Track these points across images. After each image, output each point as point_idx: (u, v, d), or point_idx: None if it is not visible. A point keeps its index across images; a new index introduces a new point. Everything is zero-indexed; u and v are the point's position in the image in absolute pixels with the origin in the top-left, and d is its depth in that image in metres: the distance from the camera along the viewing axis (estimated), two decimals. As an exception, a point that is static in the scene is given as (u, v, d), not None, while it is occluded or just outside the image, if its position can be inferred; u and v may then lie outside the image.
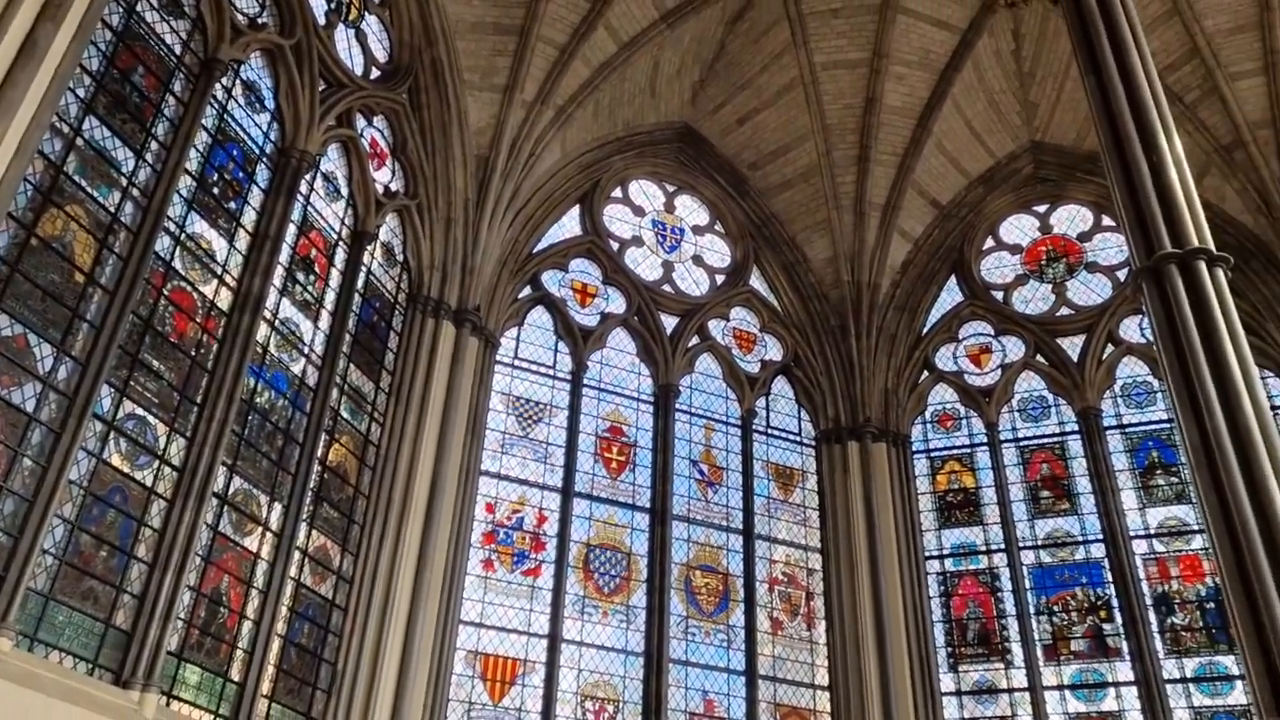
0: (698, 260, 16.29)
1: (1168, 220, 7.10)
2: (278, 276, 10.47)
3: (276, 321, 10.48)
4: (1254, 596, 5.74)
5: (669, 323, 15.44)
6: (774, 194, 16.63)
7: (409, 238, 13.08)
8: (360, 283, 11.94)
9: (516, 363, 14.09)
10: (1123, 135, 7.63)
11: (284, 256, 10.65)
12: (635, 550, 13.48)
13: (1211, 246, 6.95)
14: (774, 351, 16.03)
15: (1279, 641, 5.57)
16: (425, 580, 11.33)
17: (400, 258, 13.01)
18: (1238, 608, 5.78)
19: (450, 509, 12.04)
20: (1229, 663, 12.66)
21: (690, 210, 16.65)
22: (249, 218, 10.29)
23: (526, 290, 14.64)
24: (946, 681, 13.68)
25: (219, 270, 9.78)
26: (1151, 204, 7.16)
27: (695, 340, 15.52)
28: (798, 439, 15.48)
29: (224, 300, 9.77)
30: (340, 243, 11.84)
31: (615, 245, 15.62)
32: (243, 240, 10.16)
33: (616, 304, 15.24)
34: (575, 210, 15.51)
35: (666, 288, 15.72)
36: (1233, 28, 14.07)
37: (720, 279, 16.26)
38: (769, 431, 15.33)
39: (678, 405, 14.75)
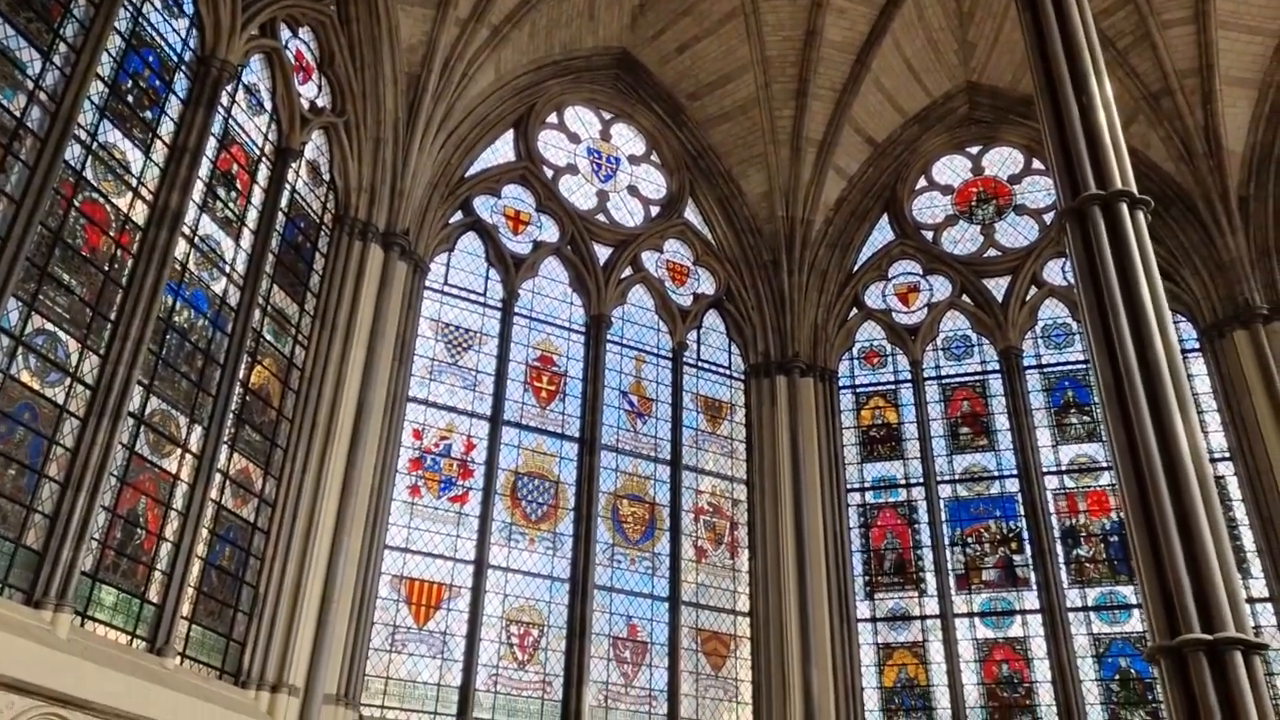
0: (633, 191, 16.15)
1: (1094, 162, 7.21)
2: (197, 192, 10.09)
3: (196, 238, 10.13)
4: (1154, 526, 5.98)
5: (602, 253, 15.34)
6: (712, 126, 16.49)
7: (336, 157, 12.70)
8: (284, 201, 11.59)
9: (446, 289, 13.89)
10: (1055, 76, 7.70)
11: (204, 171, 10.26)
12: (563, 479, 13.55)
13: (1134, 190, 7.08)
14: (706, 285, 16.05)
15: (1175, 569, 5.83)
16: (350, 505, 11.25)
17: (327, 177, 12.65)
18: (1138, 537, 6.03)
19: (377, 435, 11.93)
20: (1128, 592, 13.27)
21: (626, 139, 16.45)
22: (166, 129, 9.86)
23: (458, 215, 14.38)
24: (863, 609, 14.12)
25: (134, 182, 9.39)
26: (1079, 145, 7.26)
27: (628, 271, 15.46)
28: (727, 372, 15.62)
29: (140, 214, 9.40)
30: (263, 159, 11.45)
31: (550, 172, 15.39)
32: (160, 152, 9.75)
33: (549, 232, 15.07)
34: (509, 135, 15.21)
35: (601, 217, 15.58)
36: (1167, -25, 14.25)
37: (655, 210, 16.16)
38: (699, 364, 15.43)
39: (609, 336, 14.74)
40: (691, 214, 16.38)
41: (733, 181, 16.51)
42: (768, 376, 15.42)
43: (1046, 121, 7.55)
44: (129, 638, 8.71)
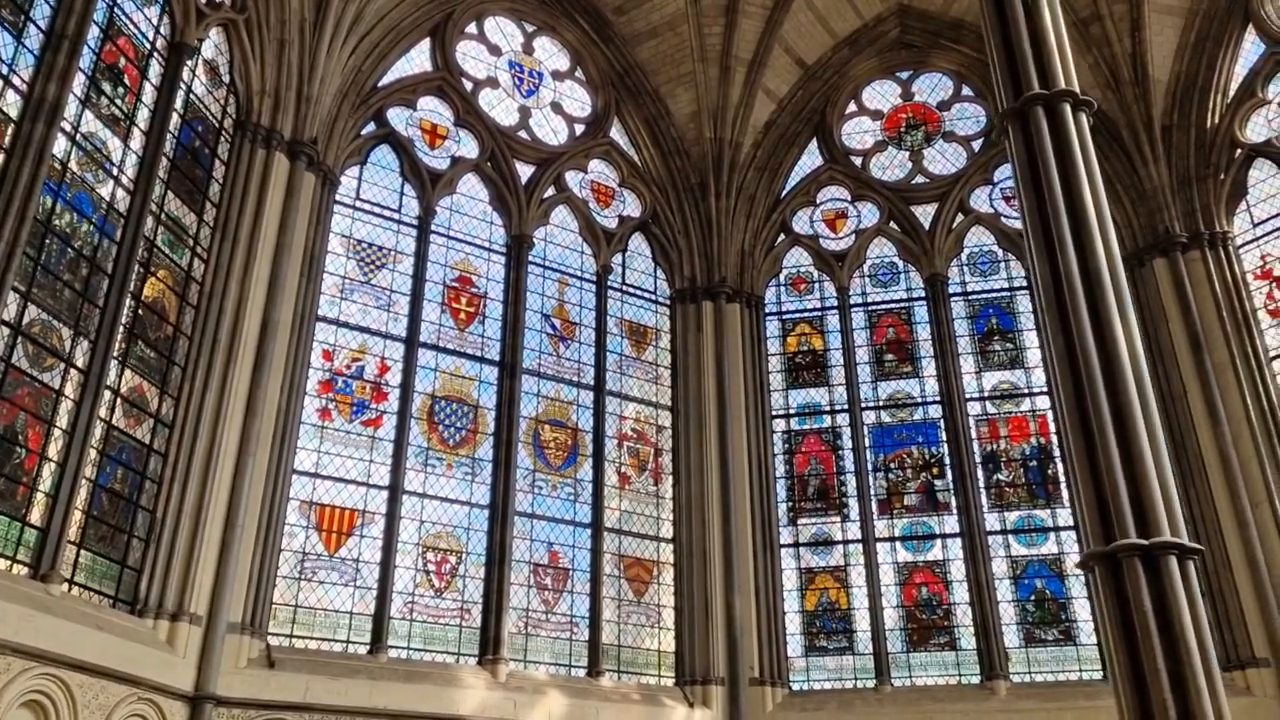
0: (556, 108, 15.52)
1: (1038, 62, 6.93)
2: (79, 84, 9.24)
3: (78, 136, 9.29)
4: (1090, 431, 5.83)
5: (524, 171, 14.73)
6: (639, 42, 15.89)
7: (236, 57, 11.82)
8: (179, 102, 10.74)
9: (358, 204, 13.18)
10: (999, -28, 7.38)
11: (86, 62, 9.39)
12: (483, 403, 13.10)
13: (1077, 90, 6.83)
14: (632, 207, 15.59)
15: (1112, 474, 5.70)
16: (255, 428, 10.65)
17: (227, 79, 11.78)
18: (1074, 441, 5.88)
19: (283, 354, 11.29)
20: (1045, 516, 13.45)
21: (550, 54, 15.75)
22: (41, 12, 8.95)
23: (370, 127, 13.60)
24: (786, 534, 14.07)
25: (4, 70, 8.52)
26: (1023, 44, 6.98)
27: (551, 191, 14.90)
28: (653, 297, 15.25)
29: (12, 105, 8.55)
30: (155, 54, 10.55)
31: (469, 85, 14.65)
32: (34, 38, 8.86)
33: (469, 148, 14.39)
34: (425, 44, 14.41)
35: (523, 134, 14.93)
36: (1102, -105, 14.02)
37: (580, 129, 15.57)
38: (624, 288, 15.03)
39: (531, 257, 14.21)
40: (617, 134, 15.84)
41: (660, 101, 15.99)
42: (694, 302, 15.11)
43: (990, 19, 7.24)
44: (9, 563, 8.07)
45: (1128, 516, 5.57)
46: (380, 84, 13.74)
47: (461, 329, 13.37)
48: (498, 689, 11.36)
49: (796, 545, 14.05)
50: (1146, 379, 6.00)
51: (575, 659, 12.51)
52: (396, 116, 13.89)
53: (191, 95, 11.04)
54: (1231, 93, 14.11)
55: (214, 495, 10.08)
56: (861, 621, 13.37)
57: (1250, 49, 14.02)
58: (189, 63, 10.94)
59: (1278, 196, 13.40)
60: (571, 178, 15.19)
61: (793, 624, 13.55)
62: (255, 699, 9.92)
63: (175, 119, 10.61)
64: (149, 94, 10.37)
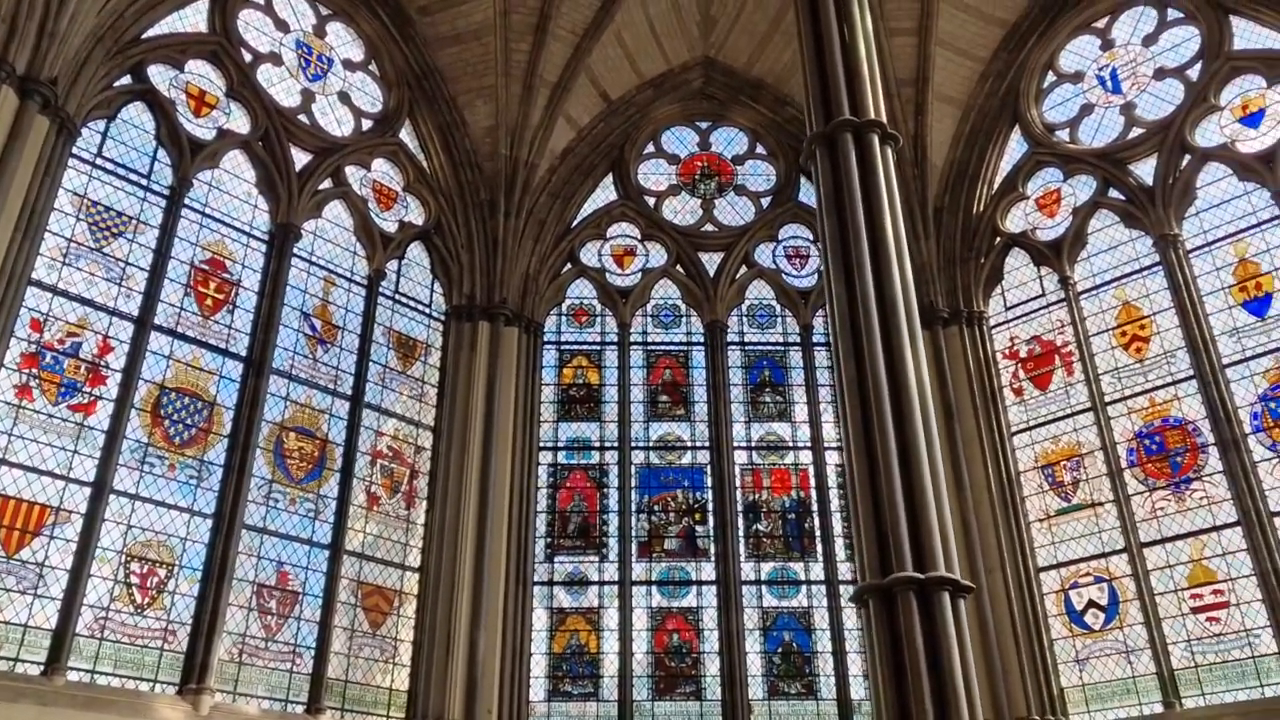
0: (344, 98, 14.49)
1: (850, 91, 6.86)
2: None
3: None
4: (875, 460, 5.63)
5: (300, 158, 13.57)
6: (442, 46, 15.18)
7: (-32, -33, 10.16)
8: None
9: (100, 161, 11.57)
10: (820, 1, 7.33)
11: None
12: (221, 400, 11.71)
13: (885, 123, 6.81)
14: (415, 214, 14.72)
15: (893, 506, 5.49)
16: (-72, 395, 8.91)
17: (-49, -10, 10.08)
18: (858, 469, 5.67)
19: (-21, 314, 9.59)
20: (798, 569, 13.53)
21: (344, 42, 14.75)
22: None
23: (126, 80, 12.08)
24: (541, 571, 13.44)
25: None
26: (838, 72, 6.91)
27: (328, 184, 13.80)
28: (427, 310, 14.38)
29: None
30: None
31: (248, 56, 13.38)
32: None
33: (240, 122, 13.09)
34: (203, 3, 13.06)
35: (303, 119, 13.78)
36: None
37: (367, 124, 14.60)
38: (397, 297, 14.07)
39: (296, 250, 13.02)
40: (408, 136, 14.98)
41: (457, 110, 15.31)
42: (470, 320, 14.36)
43: (807, 44, 7.16)
44: None
45: (906, 551, 5.38)
46: (145, 35, 12.27)
47: (206, 316, 11.97)
48: (198, 723, 9.93)
49: (551, 583, 13.43)
50: (932, 412, 5.89)
51: (294, 693, 11.21)
52: (159, 75, 12.44)
53: (-101, -4, 9.33)
54: (996, 185, 15.10)
55: None
56: (610, 666, 12.87)
57: (1015, 147, 15.09)
58: (-99, -42, 9.26)
59: (1029, 284, 14.37)
60: (352, 173, 14.16)
61: (539, 666, 12.86)
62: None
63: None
64: None
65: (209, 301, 12.08)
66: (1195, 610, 11.63)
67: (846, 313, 6.06)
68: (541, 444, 14.18)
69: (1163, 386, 12.67)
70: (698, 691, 12.81)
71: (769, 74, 16.32)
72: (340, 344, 13.20)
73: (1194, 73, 13.56)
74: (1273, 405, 11.75)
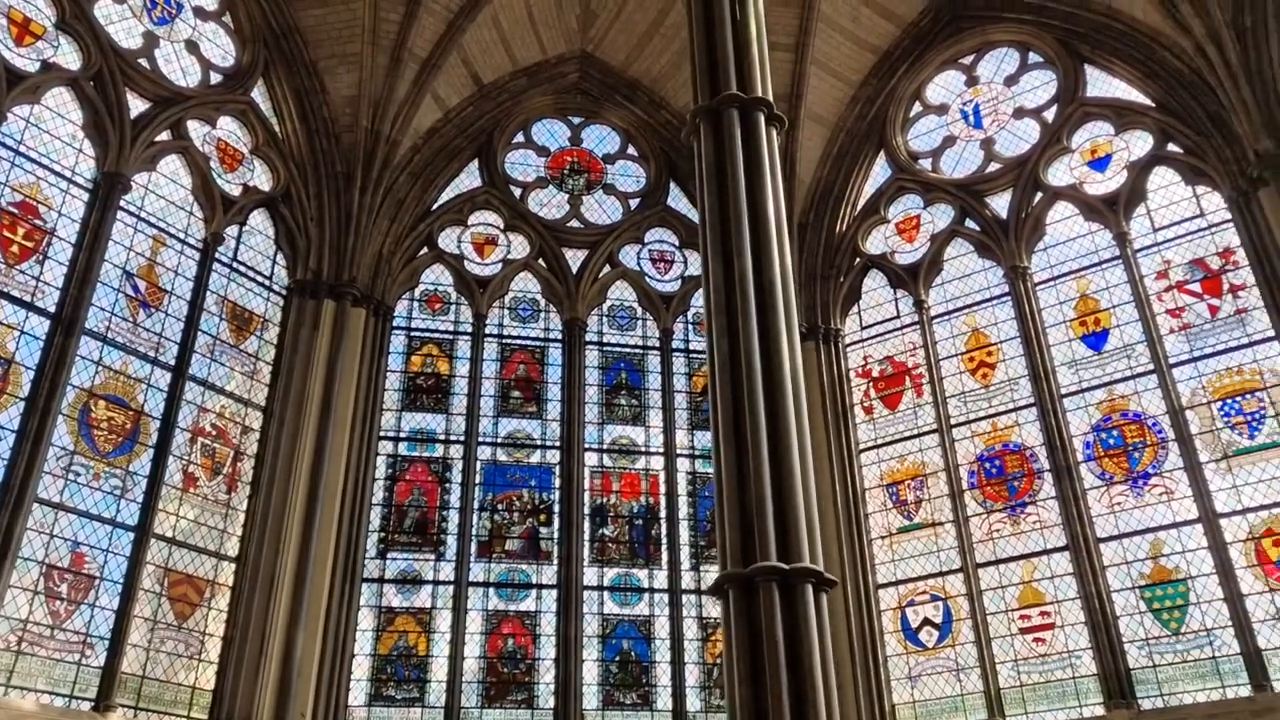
0: (192, 47, 13.39)
1: (739, 67, 6.61)
2: None
3: None
4: (745, 444, 5.33)
5: (136, 104, 12.42)
6: (305, 6, 14.27)
7: None
8: None
9: (-105, 78, 10.24)
10: (712, -27, 7.06)
11: None
12: (20, 359, 10.48)
13: (773, 102, 6.58)
14: (262, 179, 13.72)
15: (760, 493, 5.20)
16: None
17: None
18: (726, 453, 5.36)
19: None
20: (642, 576, 13.20)
21: (197, -13, 13.68)
22: None
23: (-63, -7, 10.77)
24: (371, 568, 12.64)
25: None
26: (727, 47, 6.64)
27: (166, 135, 12.69)
28: (267, 283, 13.39)
29: None
30: None
31: (85, -13, 12.20)
32: None
33: (68, 57, 11.88)
34: (38, -78, 11.83)
35: (143, 62, 12.64)
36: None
37: (216, 78, 13.53)
38: (235, 265, 13.05)
39: (124, 202, 11.87)
40: (260, 96, 13.99)
41: (317, 75, 14.41)
42: (314, 297, 13.47)
43: (696, 14, 6.85)
44: None
45: (771, 540, 5.08)
46: (-37, -53, 10.99)
47: (10, 264, 10.71)
48: (-41, 718, 8.73)
49: (381, 581, 12.64)
50: (804, 401, 5.65)
51: (81, 688, 10.05)
52: (-23, -7, 11.15)
53: None
54: (860, 206, 15.31)
55: None
56: (438, 671, 12.18)
57: (880, 171, 15.36)
58: None
59: (885, 305, 14.58)
60: (195, 129, 13.08)
61: (361, 668, 12.04)
62: None
63: None
64: None
65: (15, 248, 10.83)
66: (1023, 631, 11.91)
67: (723, 290, 5.77)
68: (382, 433, 13.40)
69: (1005, 412, 13.03)
70: (530, 699, 12.27)
71: (646, 75, 16.11)
72: (166, 309, 12.09)
73: (1050, 115, 14.12)
74: (1104, 436, 12.22)
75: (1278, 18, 11.87)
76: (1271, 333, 11.47)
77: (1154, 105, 13.26)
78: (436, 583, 12.71)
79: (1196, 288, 12.25)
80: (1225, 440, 11.44)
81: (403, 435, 13.53)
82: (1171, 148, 13.02)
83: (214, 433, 12.16)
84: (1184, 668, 10.85)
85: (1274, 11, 11.96)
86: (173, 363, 11.90)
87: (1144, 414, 12.06)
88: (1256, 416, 11.34)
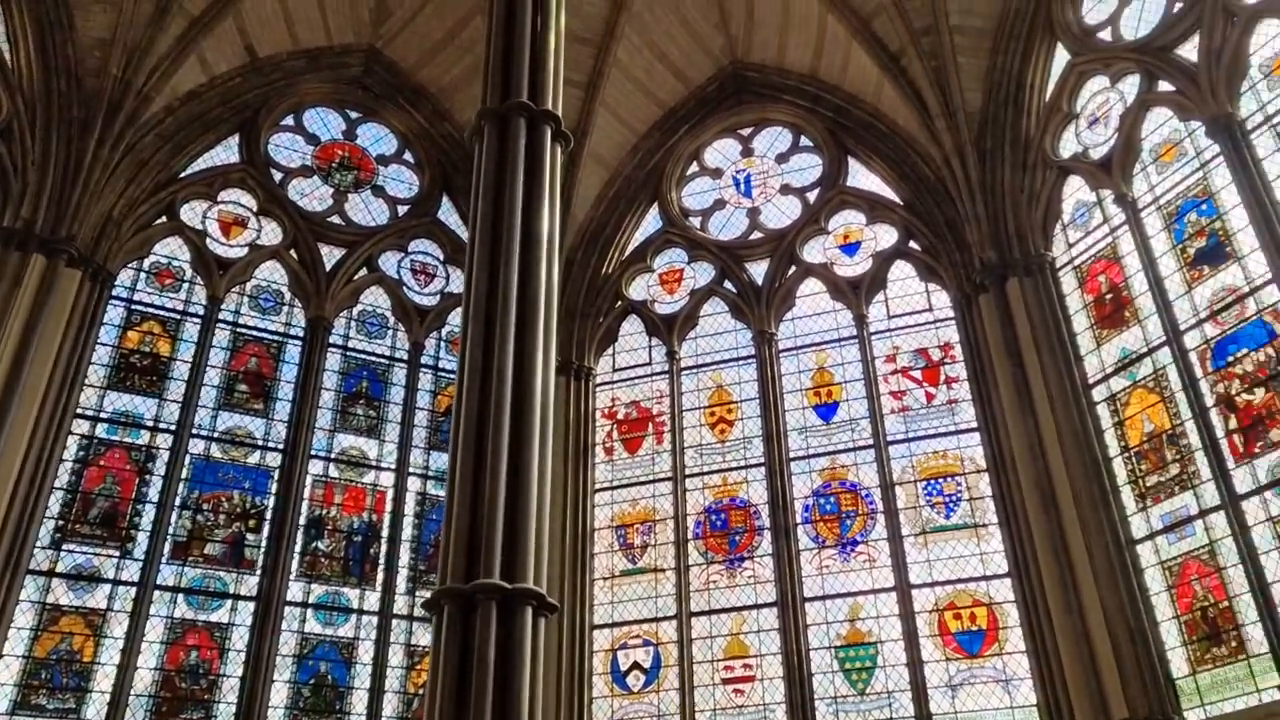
0: (-85, -58, 11.71)
1: (533, 77, 6.49)
2: None
3: None
4: (484, 454, 5.09)
5: None
6: (63, -70, 12.86)
7: None
8: None
9: None
10: (516, -16, 6.93)
11: None
12: None
13: (561, 118, 6.49)
14: (-21, 106, 12.10)
15: (493, 508, 4.97)
16: None
17: None
18: (463, 459, 5.09)
19: None
20: (353, 596, 12.50)
21: (-67, -121, 11.99)
22: None
23: None
24: (41, 558, 11.21)
25: None
26: (524, 53, 6.51)
27: None
28: (-38, 223, 11.75)
29: None
30: None
31: None
32: None
33: None
34: None
35: None
36: None
37: (-61, -17, 11.88)
38: (-75, 196, 11.35)
39: None
40: (-8, 16, 12.40)
41: (66, 9, 12.95)
42: (21, 250, 11.93)
43: (497, 17, 6.68)
44: None
45: (496, 558, 4.86)
46: None
47: None
48: None
49: (51, 574, 11.21)
50: (551, 424, 5.49)
51: None
52: None
53: None
54: (628, 252, 15.53)
55: None
56: (104, 681, 10.88)
57: (651, 221, 15.71)
58: None
59: (639, 350, 14.81)
60: (-97, 34, 11.38)
61: (9, 670, 10.56)
62: None
63: None
64: None
65: None
66: (725, 681, 12.25)
67: (484, 298, 5.55)
68: (80, 410, 11.99)
69: (737, 469, 13.50)
70: (206, 719, 11.19)
71: (434, 83, 15.69)
72: None
73: (812, 196, 15.02)
74: (822, 501, 12.92)
75: (1013, 145, 13.27)
76: (975, 424, 12.60)
77: (902, 204, 14.40)
78: (118, 582, 11.42)
79: (918, 374, 13.30)
80: (925, 517, 12.39)
81: (103, 416, 12.17)
82: (913, 245, 14.17)
83: None
84: (864, 728, 11.52)
85: (1009, 139, 13.37)
86: None
87: (860, 484, 12.87)
88: (954, 499, 12.37)
